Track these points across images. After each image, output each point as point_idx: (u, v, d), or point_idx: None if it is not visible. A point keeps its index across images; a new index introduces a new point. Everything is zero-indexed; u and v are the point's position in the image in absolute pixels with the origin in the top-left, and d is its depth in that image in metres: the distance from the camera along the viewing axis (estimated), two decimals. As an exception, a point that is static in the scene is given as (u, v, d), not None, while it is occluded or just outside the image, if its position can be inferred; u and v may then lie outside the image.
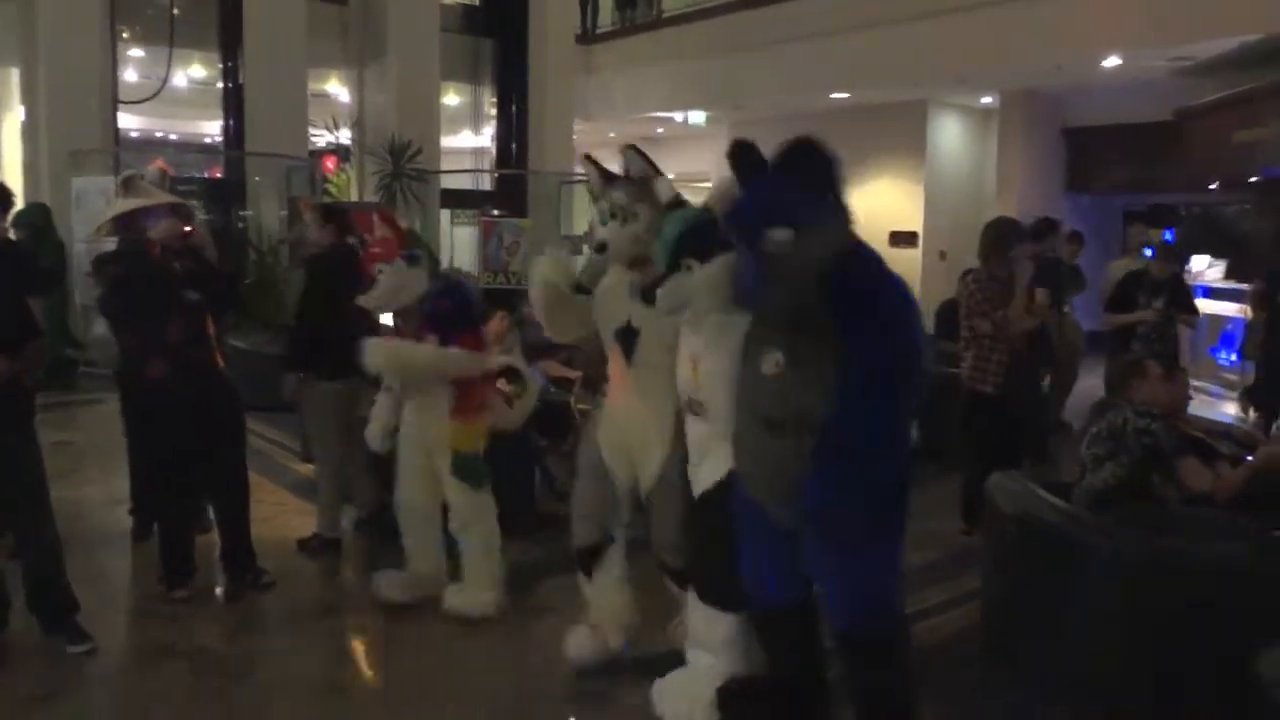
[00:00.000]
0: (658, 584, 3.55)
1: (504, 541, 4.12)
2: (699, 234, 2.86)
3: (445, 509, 4.12)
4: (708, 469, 3.04)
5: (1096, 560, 3.23)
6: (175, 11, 11.19)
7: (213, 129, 13.08)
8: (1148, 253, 7.68)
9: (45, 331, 4.12)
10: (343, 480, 4.87)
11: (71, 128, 9.88)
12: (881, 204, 13.08)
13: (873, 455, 2.62)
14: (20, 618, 3.74)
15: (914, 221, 12.92)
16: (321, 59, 12.14)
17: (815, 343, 2.65)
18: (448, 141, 13.22)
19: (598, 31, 14.98)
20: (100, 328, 5.43)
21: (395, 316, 4.35)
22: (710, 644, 3.08)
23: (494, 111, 13.50)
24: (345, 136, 12.36)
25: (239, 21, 10.80)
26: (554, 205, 12.50)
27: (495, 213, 11.76)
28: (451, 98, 13.82)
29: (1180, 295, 6.64)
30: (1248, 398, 6.90)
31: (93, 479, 5.95)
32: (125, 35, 11.24)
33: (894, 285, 2.69)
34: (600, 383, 3.74)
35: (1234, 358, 8.34)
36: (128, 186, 4.32)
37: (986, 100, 12.77)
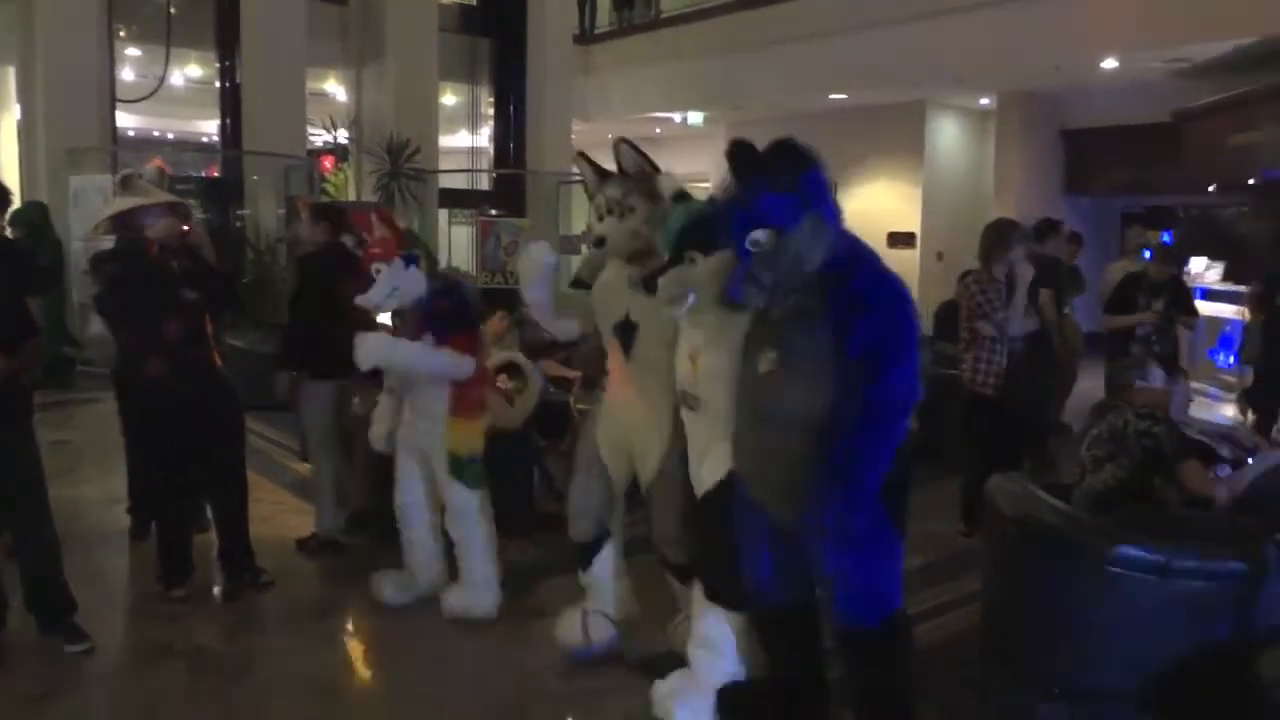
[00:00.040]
0: (658, 582, 3.55)
1: (503, 542, 4.12)
2: (702, 227, 2.87)
3: (444, 509, 4.11)
4: (708, 469, 3.04)
5: (1096, 562, 3.22)
6: (173, 10, 11.18)
7: (210, 128, 13.08)
8: (1146, 254, 7.68)
9: (43, 330, 4.10)
10: (342, 480, 4.86)
11: (69, 126, 9.86)
12: (879, 205, 13.11)
13: (871, 455, 2.61)
14: (18, 617, 3.72)
15: (912, 222, 12.95)
16: (319, 58, 12.12)
17: (811, 342, 2.66)
18: (446, 141, 13.21)
19: (596, 32, 14.99)
20: (96, 326, 5.41)
21: (393, 316, 4.35)
22: (715, 643, 3.08)
23: (492, 111, 13.50)
24: (343, 136, 12.34)
25: (237, 20, 10.78)
26: (552, 205, 12.49)
27: (493, 212, 11.76)
28: (449, 97, 13.82)
29: (1180, 297, 6.63)
30: (1246, 400, 6.90)
31: (90, 478, 5.93)
32: (123, 34, 11.22)
33: (890, 284, 2.70)
34: (599, 382, 3.75)
35: (1232, 360, 8.35)
36: (126, 185, 4.32)
37: (984, 101, 12.79)
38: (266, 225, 10.57)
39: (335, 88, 12.99)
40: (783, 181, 2.63)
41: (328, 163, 12.21)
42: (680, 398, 3.10)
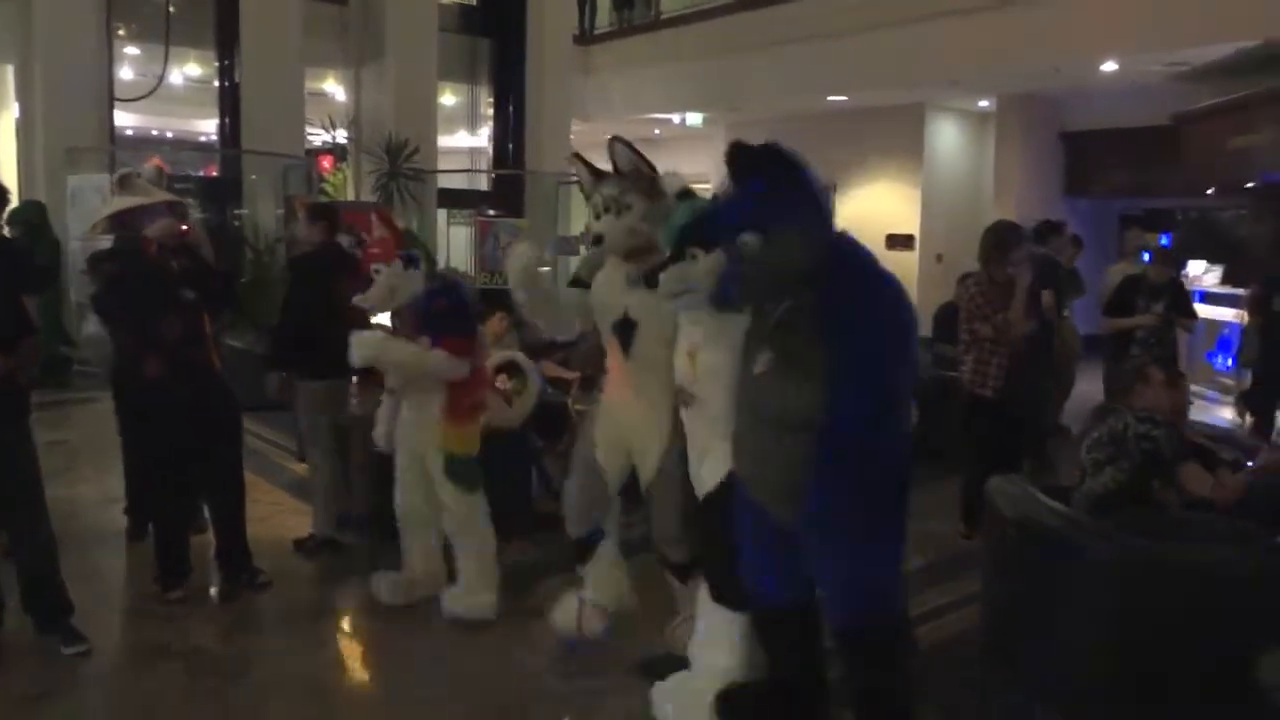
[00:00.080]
0: (658, 582, 3.55)
1: (501, 542, 4.11)
2: (705, 224, 2.88)
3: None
4: (709, 469, 3.04)
5: (1096, 564, 3.22)
6: (172, 9, 11.16)
7: (209, 127, 13.05)
8: (1145, 257, 7.68)
9: (40, 329, 4.09)
10: (339, 480, 4.85)
11: (67, 125, 9.85)
12: (879, 207, 13.11)
13: (870, 454, 2.62)
14: (15, 617, 3.71)
15: (911, 224, 12.94)
16: (319, 58, 12.11)
17: (806, 342, 2.66)
18: (445, 141, 13.19)
19: (595, 32, 14.98)
20: (92, 326, 5.41)
21: (392, 317, 4.34)
22: (717, 643, 3.08)
23: (491, 111, 13.48)
24: (342, 136, 12.33)
25: (235, 19, 10.76)
26: (551, 205, 12.49)
27: (492, 213, 11.75)
28: (449, 97, 13.80)
29: (1179, 299, 6.64)
30: (1244, 402, 6.91)
31: (87, 478, 5.92)
32: (121, 33, 11.19)
33: (886, 284, 2.71)
34: (598, 382, 3.75)
35: (1230, 363, 8.35)
36: (125, 184, 4.31)
37: (984, 104, 12.79)
38: (265, 225, 10.55)
39: (334, 87, 12.97)
40: (770, 185, 2.67)
41: (326, 162, 12.20)
42: (676, 394, 3.12)
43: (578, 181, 3.55)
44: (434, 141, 12.22)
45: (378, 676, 3.76)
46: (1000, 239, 5.08)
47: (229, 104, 11.01)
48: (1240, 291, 8.07)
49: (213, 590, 4.31)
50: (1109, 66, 9.96)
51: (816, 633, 3.00)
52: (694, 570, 3.35)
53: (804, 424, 2.64)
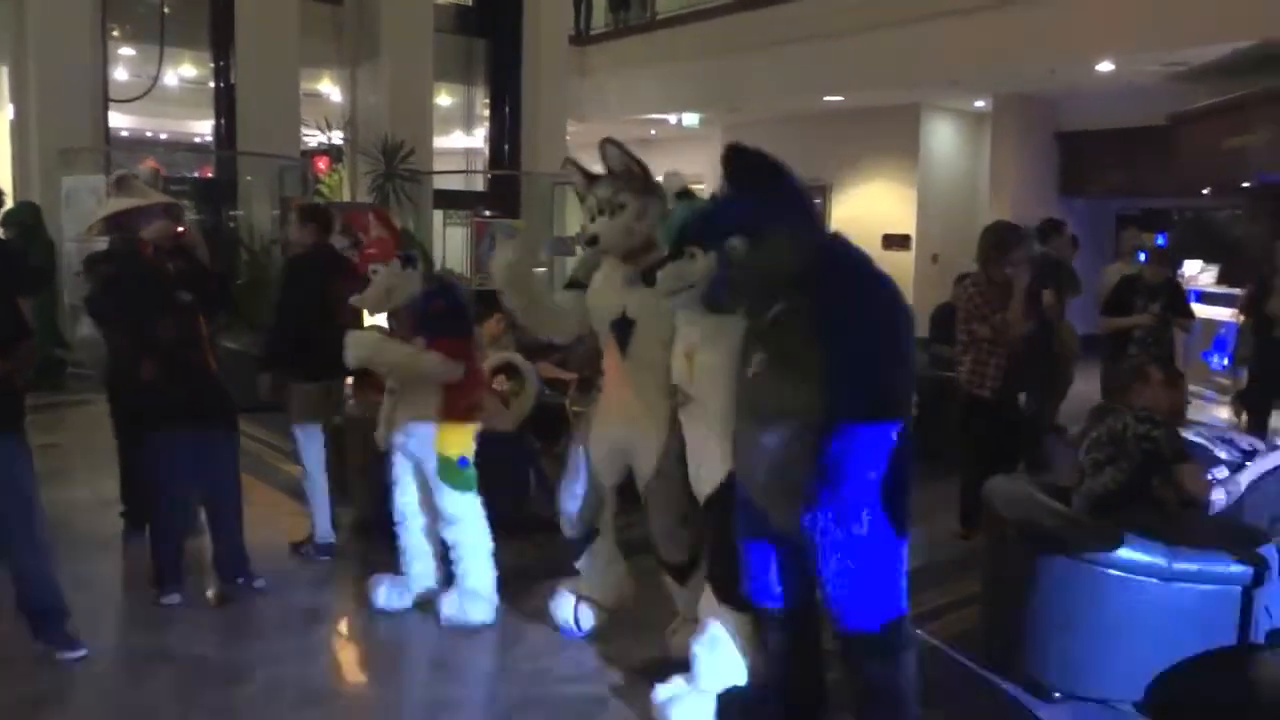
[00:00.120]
0: (658, 583, 3.53)
1: (499, 544, 4.08)
2: (703, 224, 2.89)
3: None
4: (708, 469, 3.05)
5: (1097, 565, 3.22)
6: (167, 10, 11.13)
7: (204, 128, 13.01)
8: (1141, 257, 7.69)
9: (35, 331, 4.07)
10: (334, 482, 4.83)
11: (62, 126, 9.81)
12: (874, 207, 13.12)
13: (869, 454, 2.61)
14: (9, 621, 3.68)
15: (907, 225, 12.96)
16: (314, 58, 12.10)
17: (802, 343, 2.67)
18: (440, 142, 13.18)
19: (591, 33, 14.99)
20: (86, 328, 5.38)
21: (390, 318, 4.32)
22: (720, 644, 3.08)
23: (487, 112, 13.48)
24: (338, 137, 12.32)
25: (231, 20, 10.75)
26: (547, 206, 12.48)
27: (488, 214, 11.74)
28: (444, 98, 13.78)
29: (1176, 299, 6.65)
30: (1240, 402, 6.92)
31: (82, 480, 5.89)
32: (116, 33, 11.17)
33: (881, 285, 2.72)
34: (595, 383, 3.76)
35: (1226, 362, 8.37)
36: (121, 186, 4.30)
37: (980, 104, 12.81)
38: (261, 226, 10.54)
39: (330, 88, 12.96)
40: (756, 190, 2.72)
41: (322, 164, 12.19)
42: (671, 394, 3.13)
43: (573, 182, 3.56)
44: (430, 142, 12.21)
45: (375, 681, 3.75)
46: (999, 239, 5.08)
47: (224, 105, 10.99)
48: (1236, 291, 8.09)
49: (209, 594, 4.28)
50: (1105, 66, 9.98)
51: (816, 634, 3.01)
52: (692, 571, 3.35)
53: (800, 425, 2.65)
